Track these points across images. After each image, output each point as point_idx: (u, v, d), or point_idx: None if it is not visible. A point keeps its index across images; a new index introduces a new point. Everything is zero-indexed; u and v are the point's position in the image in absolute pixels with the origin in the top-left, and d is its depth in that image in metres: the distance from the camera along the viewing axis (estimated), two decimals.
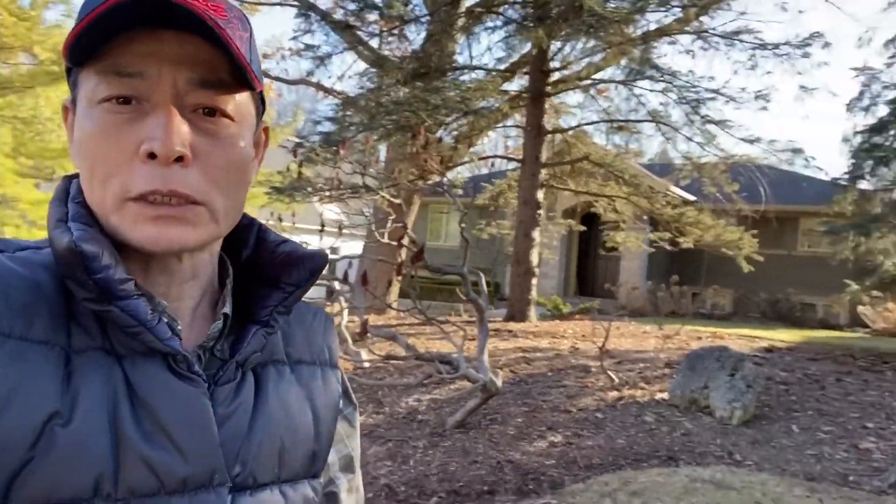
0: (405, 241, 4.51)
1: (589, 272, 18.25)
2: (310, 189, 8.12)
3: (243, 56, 0.55)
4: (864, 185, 9.05)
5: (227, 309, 0.63)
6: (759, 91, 9.65)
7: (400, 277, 4.25)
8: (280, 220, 5.52)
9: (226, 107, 0.58)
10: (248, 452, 0.59)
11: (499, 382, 4.49)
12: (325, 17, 9.75)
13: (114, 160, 0.55)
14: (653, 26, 8.97)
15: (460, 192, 11.14)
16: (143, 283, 0.58)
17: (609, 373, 5.63)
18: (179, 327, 0.58)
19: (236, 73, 0.57)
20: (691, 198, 12.83)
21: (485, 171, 14.23)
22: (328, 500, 0.72)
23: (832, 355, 8.30)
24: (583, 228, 13.70)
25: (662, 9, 8.04)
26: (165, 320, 0.56)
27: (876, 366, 7.45)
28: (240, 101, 0.59)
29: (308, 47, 9.51)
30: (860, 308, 15.48)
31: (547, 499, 3.58)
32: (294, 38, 9.91)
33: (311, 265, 0.66)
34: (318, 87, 11.59)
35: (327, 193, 6.72)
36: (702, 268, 16.65)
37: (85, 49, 0.54)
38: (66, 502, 0.50)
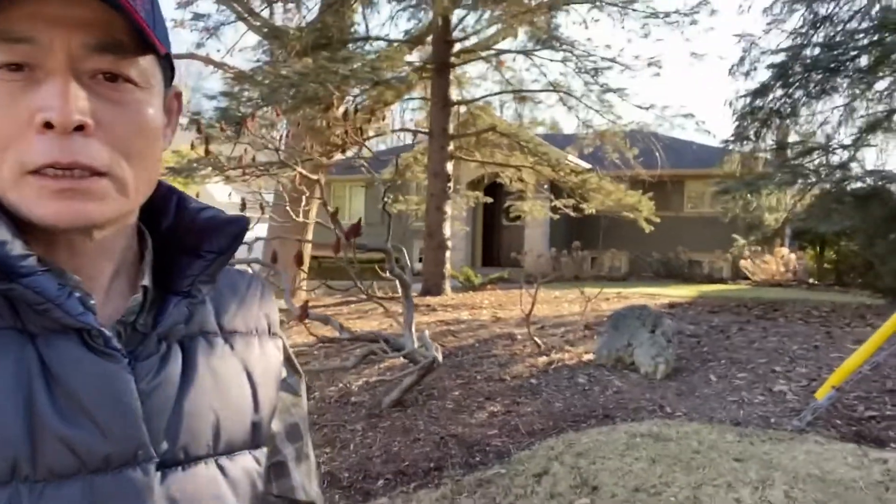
0: (335, 218, 4.30)
1: (494, 242, 18.59)
2: (211, 168, 7.63)
3: (140, 16, 0.51)
4: (748, 146, 9.66)
5: (146, 281, 0.61)
6: (652, 58, 10.06)
7: (339, 255, 4.03)
8: None
9: (128, 72, 0.54)
10: (177, 427, 0.57)
11: (440, 357, 4.43)
12: None
13: (8, 132, 0.51)
14: None
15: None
16: (51, 258, 0.55)
17: (535, 339, 5.71)
18: (93, 302, 0.55)
19: (137, 35, 0.53)
20: (587, 165, 13.28)
21: (382, 146, 14.02)
22: (276, 469, 0.71)
23: (728, 307, 8.90)
24: (489, 200, 13.84)
25: None
26: (77, 295, 0.53)
27: (768, 314, 8.06)
28: (143, 66, 0.56)
29: (196, 17, 8.86)
30: (742, 262, 16.76)
31: (496, 469, 3.57)
32: (179, 7, 9.19)
33: (233, 230, 0.64)
34: (208, 60, 10.86)
35: (233, 172, 6.34)
36: (599, 232, 17.35)
37: None
38: None
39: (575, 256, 16.12)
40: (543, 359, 5.39)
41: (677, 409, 4.21)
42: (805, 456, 3.33)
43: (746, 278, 16.17)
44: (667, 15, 9.61)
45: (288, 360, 0.75)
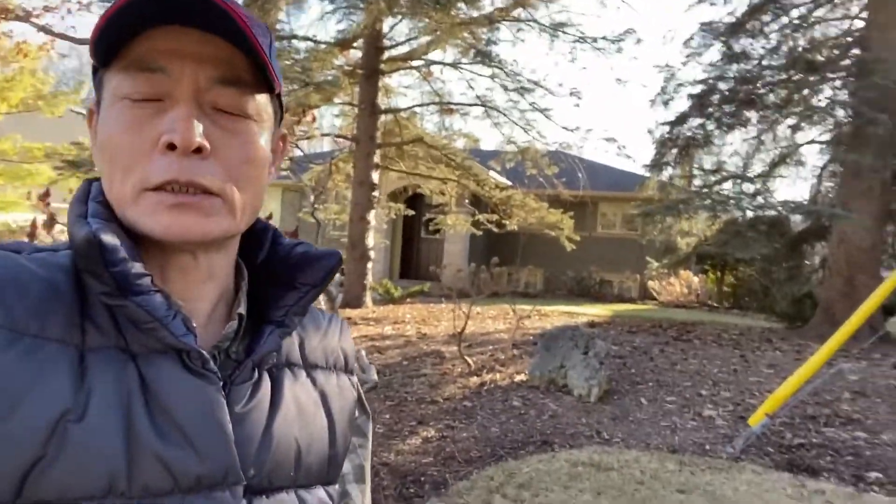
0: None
1: (413, 255, 18.38)
2: None
3: (265, 55, 0.56)
4: (667, 172, 9.98)
5: (243, 309, 0.63)
6: (574, 88, 10.24)
7: None
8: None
9: (245, 106, 0.58)
10: (265, 454, 0.58)
11: (375, 378, 4.14)
12: None
13: (134, 153, 0.55)
14: (486, 10, 9.00)
15: (287, 172, 10.43)
16: (160, 281, 0.58)
17: (466, 358, 5.53)
18: (195, 324, 0.57)
19: (256, 73, 0.58)
20: (508, 182, 13.36)
21: (298, 152, 13.50)
22: None
23: (644, 327, 9.10)
24: (411, 212, 13.63)
25: None
26: (181, 317, 0.55)
27: (683, 335, 8.28)
28: (259, 102, 0.59)
29: None
30: (650, 283, 17.42)
31: (433, 501, 3.33)
32: None
33: (327, 264, 0.66)
34: None
35: None
36: (517, 249, 17.54)
37: (109, 45, 0.54)
38: (80, 499, 0.49)
39: (493, 272, 16.18)
40: (475, 379, 5.21)
41: (614, 435, 4.13)
42: (746, 487, 3.31)
43: (653, 299, 16.82)
44: (594, 40, 9.79)
45: (359, 400, 0.75)
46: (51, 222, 5.23)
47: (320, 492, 0.64)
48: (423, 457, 3.82)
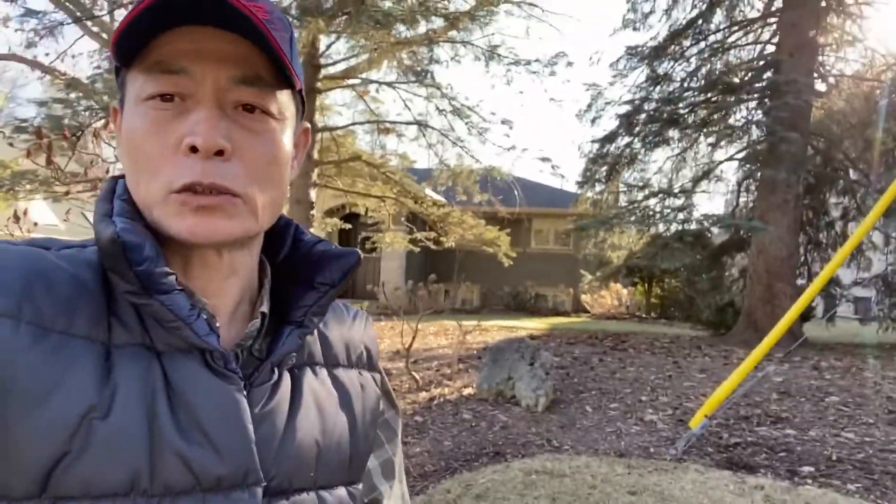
0: None
1: None
2: (39, 184, 6.63)
3: (285, 54, 0.56)
4: (598, 188, 10.36)
5: (265, 308, 0.64)
6: (504, 118, 10.50)
7: None
8: (16, 219, 4.34)
9: (266, 104, 0.58)
10: (284, 455, 0.58)
11: None
12: None
13: (158, 155, 0.55)
14: (422, 30, 9.13)
15: None
16: (184, 279, 0.58)
17: (413, 374, 5.54)
18: (218, 324, 0.58)
19: (277, 71, 0.58)
20: (443, 200, 13.49)
21: None
22: None
23: (581, 339, 9.36)
24: (348, 227, 13.55)
25: (441, 15, 8.22)
26: (204, 317, 0.56)
27: (618, 345, 8.57)
28: (280, 100, 0.60)
29: (28, 13, 7.77)
30: (583, 297, 17.91)
31: None
32: (11, 2, 8.04)
33: (344, 264, 0.66)
34: (35, 64, 9.60)
35: (62, 188, 5.49)
36: (454, 266, 17.68)
37: (130, 46, 0.55)
38: (103, 496, 0.49)
39: (431, 289, 16.25)
40: (424, 394, 5.22)
41: (564, 443, 4.23)
42: (692, 486, 3.46)
43: (587, 311, 17.31)
44: (528, 63, 10.07)
45: (386, 395, 0.74)
46: None
47: (342, 492, 0.64)
48: None
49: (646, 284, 18.14)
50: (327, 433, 0.63)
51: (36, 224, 4.93)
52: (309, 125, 0.70)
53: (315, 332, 0.67)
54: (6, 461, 0.48)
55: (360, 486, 0.67)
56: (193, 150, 0.54)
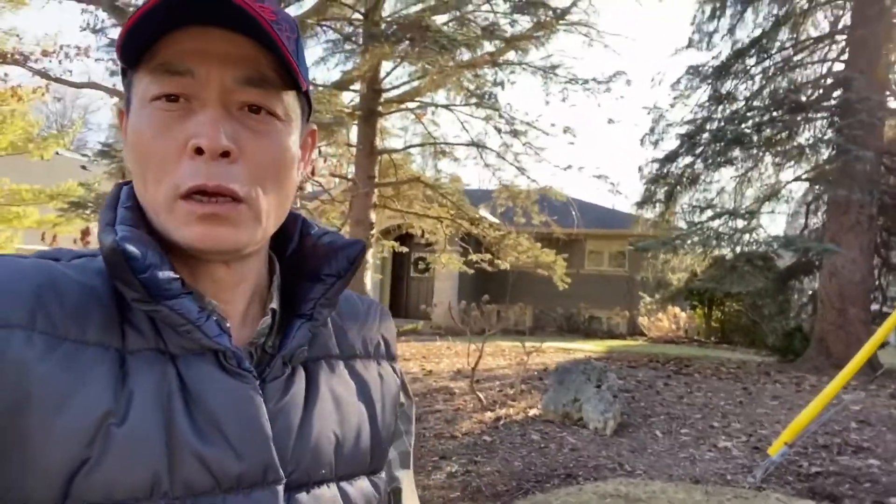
0: None
1: (402, 293, 18.38)
2: None
3: (290, 54, 0.56)
4: (658, 208, 10.20)
5: (275, 304, 0.64)
6: (567, 127, 10.48)
7: None
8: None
9: (272, 105, 0.58)
10: (302, 450, 0.58)
11: None
12: (113, 8, 8.50)
13: (164, 157, 0.55)
14: (480, 53, 9.26)
15: None
16: (192, 282, 0.58)
17: (478, 394, 5.54)
18: (228, 324, 0.58)
19: (282, 71, 0.58)
20: (498, 222, 13.52)
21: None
22: (393, 496, 0.71)
23: (642, 362, 9.18)
24: (405, 250, 13.70)
25: (502, 38, 8.33)
26: (214, 318, 0.57)
27: (682, 369, 8.37)
28: (286, 101, 0.59)
29: (112, 43, 8.23)
30: (639, 319, 17.55)
31: None
32: (88, 31, 8.53)
33: (350, 253, 0.65)
34: (115, 92, 10.12)
35: None
36: (506, 286, 17.63)
37: (136, 47, 0.55)
38: (125, 500, 0.49)
39: (484, 310, 16.22)
40: (489, 414, 5.22)
41: (636, 467, 4.16)
42: None
43: (643, 334, 16.93)
44: (585, 81, 10.07)
45: (402, 385, 0.74)
46: None
47: (364, 482, 0.63)
48: (450, 491, 3.81)
49: (705, 308, 17.65)
50: (346, 425, 0.63)
51: None
52: (315, 127, 0.70)
53: (330, 325, 0.67)
54: (27, 470, 0.48)
55: (383, 474, 0.67)
56: (199, 151, 0.54)
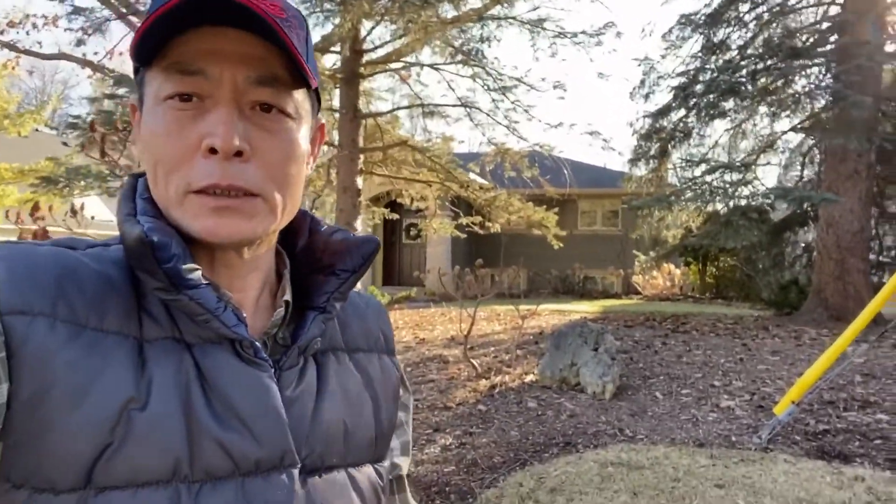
0: None
1: (395, 260, 18.19)
2: (94, 178, 6.68)
3: (300, 54, 0.56)
4: (651, 164, 9.97)
5: (288, 296, 0.65)
6: (557, 81, 10.16)
7: None
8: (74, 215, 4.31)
9: (283, 103, 0.59)
10: (316, 435, 0.60)
11: None
12: None
13: (177, 155, 0.56)
14: (466, 8, 8.87)
15: None
16: (208, 273, 0.59)
17: (472, 361, 5.38)
18: (245, 315, 0.59)
19: (292, 70, 0.58)
20: (488, 183, 13.24)
21: None
22: (397, 484, 0.75)
23: (638, 321, 9.05)
24: (395, 217, 13.45)
25: None
26: (231, 308, 0.57)
27: (679, 327, 8.25)
28: (296, 98, 0.60)
29: (76, 10, 7.82)
30: (634, 278, 17.46)
31: None
32: (60, 1, 8.09)
33: (366, 250, 0.68)
34: (86, 62, 9.70)
35: (123, 182, 5.50)
36: (499, 250, 17.43)
37: (149, 48, 0.56)
38: (147, 483, 0.50)
39: (478, 274, 16.08)
40: (484, 382, 5.06)
41: (637, 432, 4.02)
42: (784, 477, 3.21)
43: (637, 293, 16.86)
44: (574, 35, 9.72)
45: (401, 378, 0.76)
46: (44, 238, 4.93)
47: (369, 469, 0.66)
48: (445, 465, 3.66)
49: (700, 264, 17.55)
50: (353, 414, 0.65)
51: (93, 218, 4.92)
52: (324, 121, 0.71)
53: (335, 319, 0.69)
54: (51, 456, 0.48)
55: (386, 463, 0.70)
56: (213, 151, 0.55)
